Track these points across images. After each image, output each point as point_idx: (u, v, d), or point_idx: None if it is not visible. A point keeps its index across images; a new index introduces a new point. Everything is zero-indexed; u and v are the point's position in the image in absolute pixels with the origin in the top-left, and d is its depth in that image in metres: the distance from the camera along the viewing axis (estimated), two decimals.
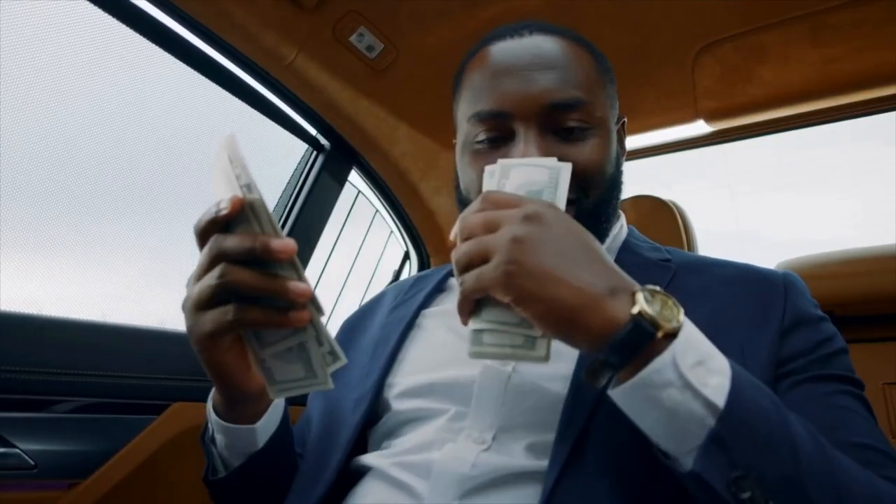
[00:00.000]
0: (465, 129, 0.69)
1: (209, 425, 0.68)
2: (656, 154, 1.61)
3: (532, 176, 0.54)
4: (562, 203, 0.52)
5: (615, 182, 0.70)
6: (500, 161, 0.55)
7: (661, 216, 1.27)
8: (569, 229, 0.49)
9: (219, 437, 0.65)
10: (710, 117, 1.40)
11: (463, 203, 0.71)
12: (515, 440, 0.57)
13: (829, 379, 0.58)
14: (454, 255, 0.50)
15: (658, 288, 0.47)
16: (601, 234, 0.69)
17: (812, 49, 1.18)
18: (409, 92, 1.39)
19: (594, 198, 0.66)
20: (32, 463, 0.87)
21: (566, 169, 0.53)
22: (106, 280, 1.16)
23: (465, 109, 0.70)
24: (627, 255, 0.72)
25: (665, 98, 1.38)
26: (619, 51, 1.26)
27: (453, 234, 0.52)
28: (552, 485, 0.51)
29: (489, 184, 0.55)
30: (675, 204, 1.28)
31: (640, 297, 0.45)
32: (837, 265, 1.31)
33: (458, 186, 0.73)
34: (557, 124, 0.65)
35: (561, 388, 0.58)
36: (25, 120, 1.00)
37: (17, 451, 0.86)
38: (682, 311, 0.46)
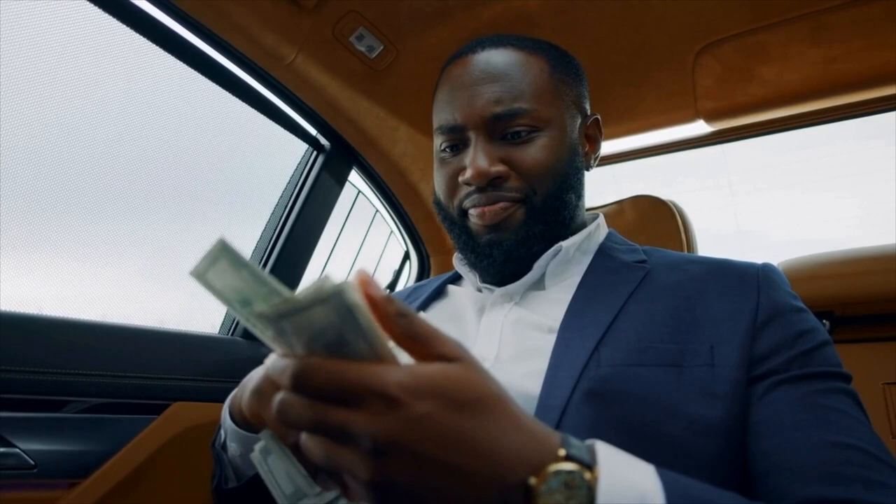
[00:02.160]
0: (435, 140, 0.78)
1: (221, 432, 0.66)
2: (656, 154, 1.60)
3: (316, 323, 0.34)
4: (374, 341, 0.34)
5: (566, 177, 0.74)
6: (256, 313, 0.35)
7: (660, 216, 1.27)
8: (440, 435, 0.33)
9: (232, 446, 0.63)
10: (710, 117, 1.40)
11: (440, 209, 0.79)
12: None
13: (810, 377, 0.57)
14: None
15: (566, 458, 0.36)
16: (556, 228, 0.74)
17: (812, 49, 1.18)
18: (409, 92, 1.39)
19: (542, 194, 0.72)
20: (32, 463, 0.87)
21: (349, 292, 0.32)
22: (106, 280, 1.17)
23: (434, 122, 0.78)
24: (602, 260, 0.74)
25: (665, 98, 1.38)
26: (619, 51, 1.26)
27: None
28: None
29: (272, 350, 0.38)
30: (674, 204, 1.28)
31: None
32: (837, 265, 1.31)
33: (435, 190, 0.82)
34: (504, 130, 0.71)
35: (535, 384, 0.59)
36: (25, 120, 1.00)
37: (18, 450, 0.86)
38: (598, 476, 0.36)
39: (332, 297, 0.32)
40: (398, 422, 0.32)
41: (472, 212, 0.73)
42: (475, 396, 0.35)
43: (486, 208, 0.71)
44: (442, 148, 0.76)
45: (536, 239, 0.72)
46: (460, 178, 0.72)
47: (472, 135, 0.72)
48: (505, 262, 0.72)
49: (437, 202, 0.79)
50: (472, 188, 0.72)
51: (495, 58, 0.74)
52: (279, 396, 0.35)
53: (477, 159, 0.70)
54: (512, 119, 0.71)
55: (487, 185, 0.70)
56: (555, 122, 0.73)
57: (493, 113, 0.71)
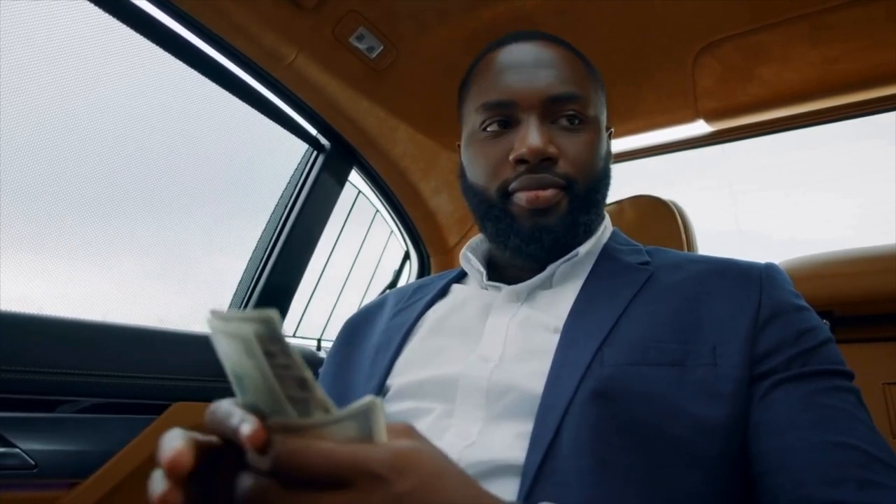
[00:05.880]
0: (472, 119, 0.75)
1: None
2: (656, 154, 1.60)
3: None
4: (381, 437, 0.36)
5: (604, 176, 0.75)
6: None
7: (660, 216, 1.27)
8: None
9: None
10: (710, 117, 1.40)
11: (473, 193, 0.76)
12: (499, 434, 0.58)
13: (812, 376, 0.57)
14: None
15: None
16: (594, 222, 0.75)
17: (812, 49, 1.18)
18: (409, 92, 1.40)
19: (584, 185, 0.72)
20: (33, 463, 0.87)
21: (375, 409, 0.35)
22: (107, 280, 1.17)
23: (473, 102, 0.76)
24: (606, 261, 0.74)
25: (665, 98, 1.38)
26: (619, 51, 1.26)
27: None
28: (532, 475, 0.52)
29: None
30: (674, 204, 1.28)
31: None
32: (837, 265, 1.31)
33: (463, 176, 0.79)
34: (555, 115, 0.72)
35: (538, 384, 0.59)
36: (25, 120, 1.00)
37: (18, 450, 0.86)
38: None
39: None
40: (385, 498, 0.34)
41: (520, 195, 0.70)
42: (440, 469, 0.37)
43: (540, 193, 0.69)
44: (484, 126, 0.74)
45: (581, 228, 0.73)
46: (511, 157, 0.70)
47: (524, 114, 0.71)
48: (552, 248, 0.71)
49: (471, 186, 0.76)
50: (522, 169, 0.70)
51: (546, 48, 0.75)
52: (248, 483, 0.34)
53: (533, 136, 0.69)
54: (567, 103, 0.71)
55: (538, 164, 0.69)
56: (595, 121, 0.75)
57: (550, 94, 0.71)
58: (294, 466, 0.33)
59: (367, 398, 0.35)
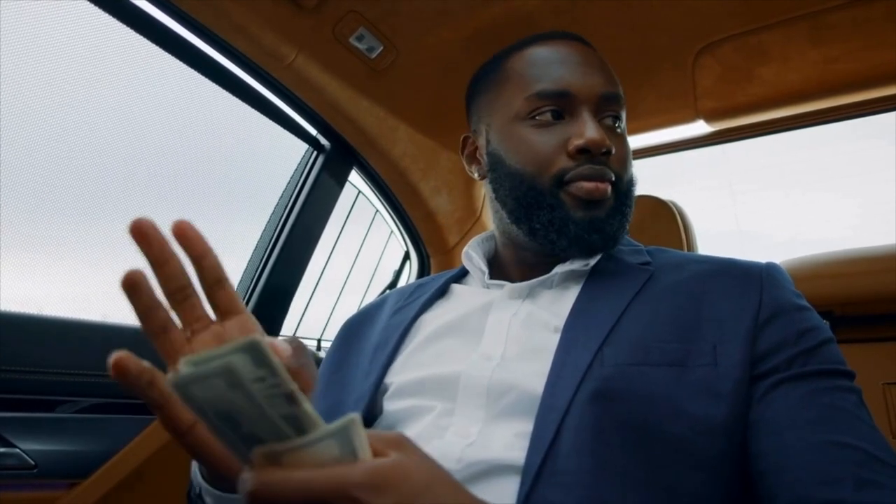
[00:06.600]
0: (516, 106, 0.75)
1: (194, 484, 0.61)
2: (656, 154, 1.61)
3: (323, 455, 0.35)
4: (365, 453, 0.36)
5: (633, 178, 0.78)
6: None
7: (660, 216, 1.27)
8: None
9: (208, 500, 0.59)
10: (710, 117, 1.40)
11: (520, 180, 0.73)
12: (499, 434, 0.58)
13: (812, 375, 0.57)
14: None
15: None
16: (629, 219, 0.76)
17: (812, 49, 1.18)
18: (408, 92, 1.40)
19: (626, 183, 0.74)
20: (33, 463, 0.87)
21: (355, 423, 0.35)
22: (107, 280, 1.17)
23: (518, 90, 0.75)
24: (607, 262, 0.74)
25: (665, 98, 1.38)
26: (619, 51, 1.26)
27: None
28: (533, 475, 0.52)
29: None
30: (674, 204, 1.28)
31: None
32: (837, 265, 1.31)
33: (498, 164, 0.77)
34: (603, 113, 0.74)
35: (538, 384, 0.59)
36: (25, 120, 1.00)
37: (18, 450, 0.86)
38: None
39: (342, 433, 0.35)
40: None
41: (579, 184, 0.70)
42: (426, 481, 0.37)
43: (600, 184, 0.70)
44: (533, 114, 0.73)
45: (626, 223, 0.75)
46: (571, 146, 0.70)
47: (579, 107, 0.72)
48: (607, 241, 0.72)
49: (515, 173, 0.74)
50: (582, 159, 0.70)
51: (591, 51, 0.78)
52: None
53: (595, 128, 0.70)
54: (614, 103, 0.74)
55: (598, 156, 0.70)
56: (625, 130, 0.78)
57: (604, 91, 0.73)
58: (272, 499, 0.33)
59: (348, 416, 0.35)
